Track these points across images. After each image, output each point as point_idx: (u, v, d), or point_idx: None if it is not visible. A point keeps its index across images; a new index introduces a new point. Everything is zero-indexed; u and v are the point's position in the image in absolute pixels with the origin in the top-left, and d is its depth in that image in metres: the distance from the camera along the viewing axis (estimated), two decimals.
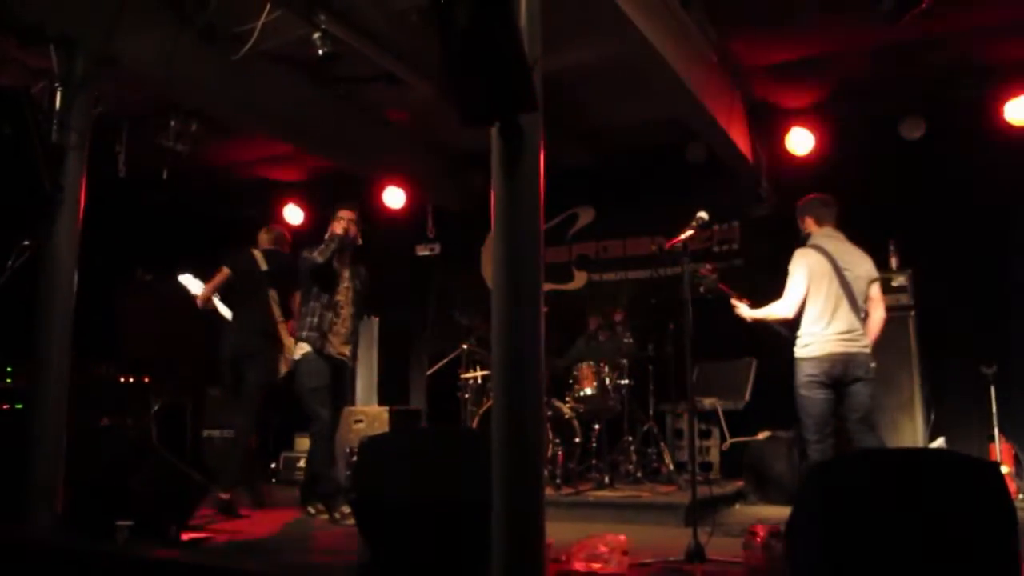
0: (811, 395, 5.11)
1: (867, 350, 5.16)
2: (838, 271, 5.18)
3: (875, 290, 5.31)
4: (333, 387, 5.99)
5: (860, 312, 5.20)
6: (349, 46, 5.95)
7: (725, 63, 6.90)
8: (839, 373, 5.09)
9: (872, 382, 5.16)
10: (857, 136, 7.71)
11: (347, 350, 6.11)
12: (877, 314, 5.31)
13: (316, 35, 5.49)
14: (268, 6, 5.27)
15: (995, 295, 7.09)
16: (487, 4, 3.29)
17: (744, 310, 5.38)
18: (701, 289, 5.16)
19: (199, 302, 6.42)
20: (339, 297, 6.06)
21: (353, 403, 8.54)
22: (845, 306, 5.13)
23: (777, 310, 5.26)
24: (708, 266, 5.40)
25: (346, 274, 6.14)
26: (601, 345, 7.88)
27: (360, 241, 6.13)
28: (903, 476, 3.14)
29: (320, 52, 5.53)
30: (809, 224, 5.47)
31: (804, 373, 5.15)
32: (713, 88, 6.73)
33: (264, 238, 6.76)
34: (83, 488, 4.87)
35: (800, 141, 7.83)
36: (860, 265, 5.28)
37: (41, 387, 4.98)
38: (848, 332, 5.12)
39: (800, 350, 5.20)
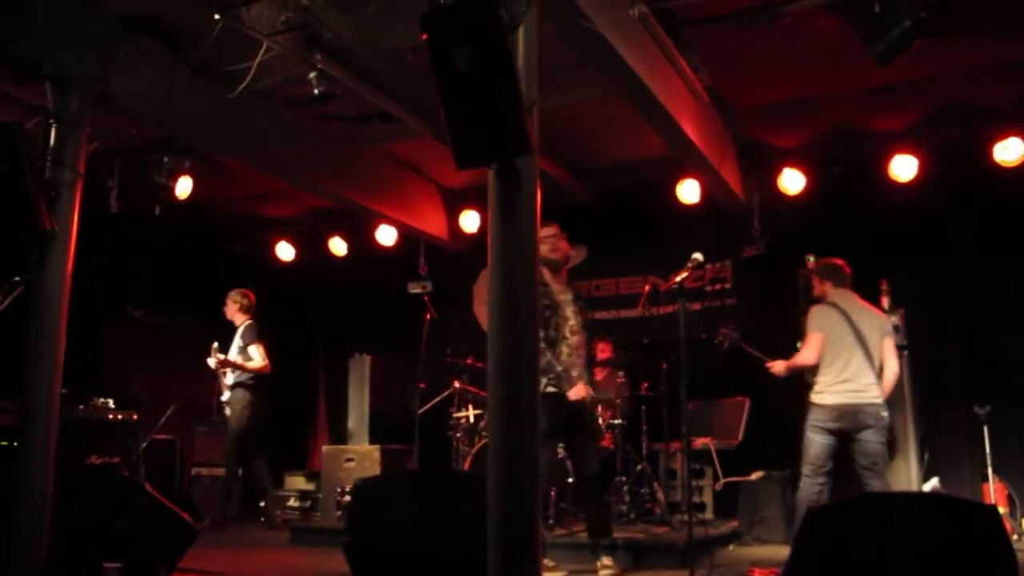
0: (814, 437, 5.47)
1: (877, 400, 5.42)
2: (852, 326, 5.49)
3: (888, 344, 5.59)
4: (569, 425, 5.26)
5: (874, 365, 5.47)
6: (345, 85, 5.98)
7: (718, 104, 6.95)
8: (847, 424, 5.39)
9: (882, 430, 5.42)
10: (848, 176, 7.76)
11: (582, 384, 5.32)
12: (890, 366, 5.57)
13: (312, 74, 5.51)
14: (264, 45, 5.28)
15: (987, 335, 7.10)
16: (484, 47, 3.30)
17: (778, 366, 5.74)
18: (725, 345, 6.00)
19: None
20: (567, 327, 5.35)
21: (345, 441, 8.50)
22: (858, 359, 5.44)
23: (802, 358, 5.62)
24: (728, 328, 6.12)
25: (568, 298, 5.41)
26: (598, 383, 7.85)
27: (572, 253, 5.58)
28: (901, 521, 3.12)
29: (315, 92, 5.54)
30: (827, 288, 5.76)
31: (813, 417, 5.51)
32: (706, 128, 6.78)
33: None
34: (70, 529, 4.78)
35: (792, 181, 7.88)
36: (873, 322, 5.59)
37: (28, 431, 4.88)
38: (857, 384, 5.42)
39: (814, 396, 5.56)
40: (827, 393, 5.47)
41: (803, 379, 5.72)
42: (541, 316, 4.96)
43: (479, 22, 3.31)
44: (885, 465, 5.58)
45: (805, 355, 5.60)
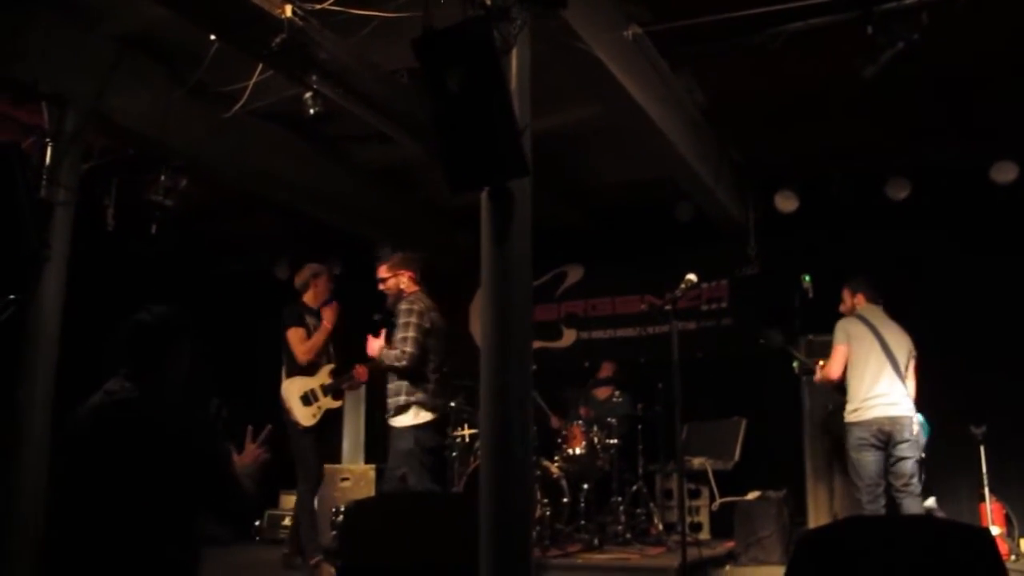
0: (861, 457, 5.43)
1: (911, 413, 5.42)
2: (880, 339, 5.47)
3: (912, 364, 5.61)
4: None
5: (904, 380, 5.47)
6: (340, 105, 5.99)
7: (713, 124, 6.97)
8: (887, 436, 5.35)
9: (916, 445, 5.40)
10: (843, 195, 7.77)
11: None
12: (909, 387, 5.58)
13: (307, 95, 5.52)
14: (260, 66, 5.30)
15: (984, 354, 7.09)
16: (478, 69, 3.31)
17: (817, 374, 5.80)
18: (771, 344, 6.03)
19: None
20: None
21: (340, 461, 8.46)
22: (888, 371, 5.42)
23: (827, 372, 5.68)
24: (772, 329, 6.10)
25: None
26: (602, 404, 7.86)
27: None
28: (895, 544, 3.10)
29: (311, 112, 5.55)
30: (859, 300, 5.79)
31: (854, 436, 5.48)
32: (701, 149, 6.79)
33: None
34: (60, 556, 4.74)
35: (787, 201, 7.89)
36: (900, 339, 5.60)
37: (21, 453, 4.85)
38: (891, 396, 5.39)
39: (849, 415, 5.51)
40: (862, 409, 5.41)
41: (842, 393, 5.68)
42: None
43: (472, 45, 3.32)
44: (920, 485, 5.53)
45: (829, 369, 5.57)
